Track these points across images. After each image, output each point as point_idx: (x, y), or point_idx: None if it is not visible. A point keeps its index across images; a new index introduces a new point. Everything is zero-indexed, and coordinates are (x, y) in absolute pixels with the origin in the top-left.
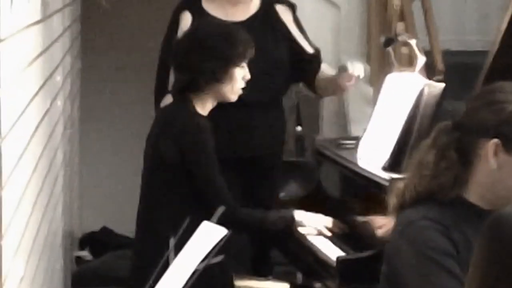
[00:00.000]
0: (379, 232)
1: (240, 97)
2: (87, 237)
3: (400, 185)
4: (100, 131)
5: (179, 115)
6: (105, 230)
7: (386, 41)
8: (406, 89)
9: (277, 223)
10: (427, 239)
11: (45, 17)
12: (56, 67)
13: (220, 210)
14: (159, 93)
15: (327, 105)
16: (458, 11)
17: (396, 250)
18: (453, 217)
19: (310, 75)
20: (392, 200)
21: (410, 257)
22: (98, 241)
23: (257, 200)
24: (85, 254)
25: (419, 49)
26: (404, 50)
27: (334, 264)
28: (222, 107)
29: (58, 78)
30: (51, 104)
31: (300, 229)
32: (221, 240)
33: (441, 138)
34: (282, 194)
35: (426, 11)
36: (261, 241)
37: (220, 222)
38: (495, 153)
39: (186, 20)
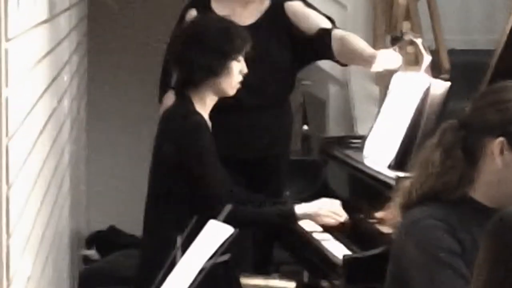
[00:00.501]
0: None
1: (243, 100)
2: (94, 236)
3: (406, 184)
4: (107, 130)
5: (177, 115)
6: (112, 230)
7: (393, 39)
8: (412, 88)
9: (275, 219)
10: (433, 238)
11: (52, 17)
12: (63, 67)
13: (227, 208)
14: (162, 90)
15: (333, 104)
16: (463, 10)
17: (402, 249)
18: (459, 216)
19: (324, 51)
20: (398, 199)
21: (416, 256)
22: (105, 240)
23: None
24: (92, 253)
25: (425, 48)
26: (410, 49)
27: (341, 263)
28: (226, 110)
29: (65, 77)
30: (58, 104)
31: (302, 224)
32: (228, 238)
33: (446, 137)
34: (288, 193)
35: (431, 10)
36: (264, 241)
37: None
38: (501, 152)
39: (191, 17)
